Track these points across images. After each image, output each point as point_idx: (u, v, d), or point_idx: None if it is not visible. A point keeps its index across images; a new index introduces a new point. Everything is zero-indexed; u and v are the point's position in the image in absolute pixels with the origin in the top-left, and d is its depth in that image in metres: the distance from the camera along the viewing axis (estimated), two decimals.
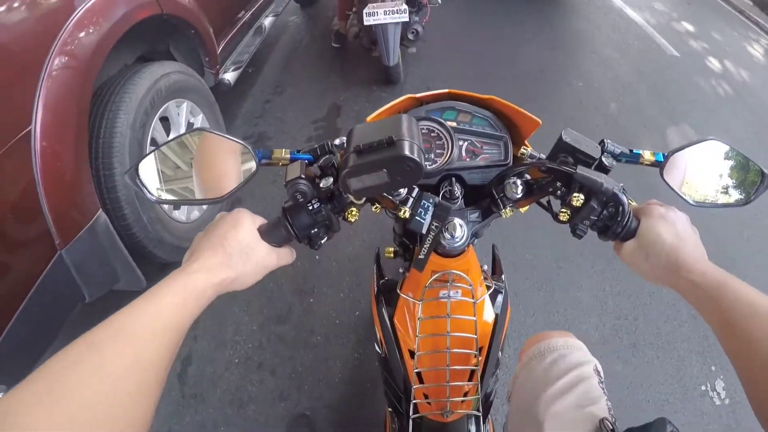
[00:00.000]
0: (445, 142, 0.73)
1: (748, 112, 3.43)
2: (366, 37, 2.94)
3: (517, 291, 1.88)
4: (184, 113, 1.84)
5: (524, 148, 0.72)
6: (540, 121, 0.71)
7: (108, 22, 1.40)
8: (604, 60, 3.74)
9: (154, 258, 1.62)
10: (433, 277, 0.72)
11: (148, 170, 0.60)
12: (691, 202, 0.64)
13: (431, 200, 0.62)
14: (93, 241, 1.34)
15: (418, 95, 0.74)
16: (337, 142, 0.65)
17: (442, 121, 0.73)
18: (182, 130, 1.83)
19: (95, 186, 1.38)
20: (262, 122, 2.74)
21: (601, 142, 0.66)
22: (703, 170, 0.65)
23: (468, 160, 0.75)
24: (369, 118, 0.68)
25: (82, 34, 1.30)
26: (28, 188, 1.15)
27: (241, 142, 0.61)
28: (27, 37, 1.17)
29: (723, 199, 0.66)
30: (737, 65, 4.11)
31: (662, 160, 0.64)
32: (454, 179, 0.74)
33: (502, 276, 0.90)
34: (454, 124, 0.75)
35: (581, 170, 0.59)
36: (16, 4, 1.13)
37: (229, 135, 0.62)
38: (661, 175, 0.63)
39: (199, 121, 1.96)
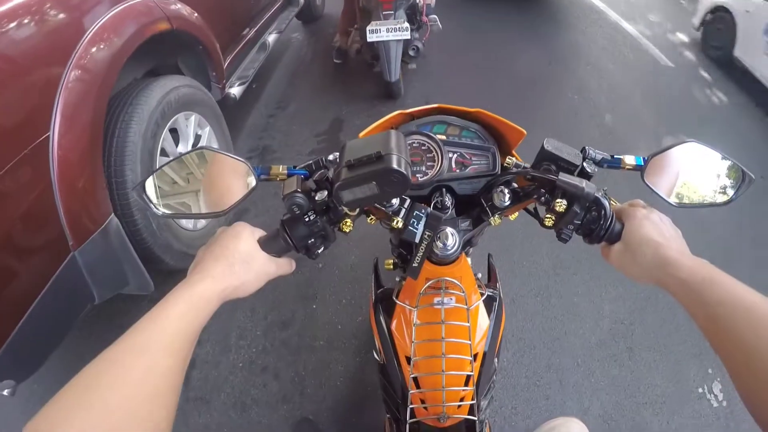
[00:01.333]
0: (436, 155, 0.75)
1: (744, 119, 3.46)
2: (368, 53, 3.01)
3: (514, 297, 1.92)
4: (192, 125, 1.91)
5: (510, 158, 0.72)
6: (525, 132, 0.74)
7: (120, 38, 1.48)
8: (599, 72, 3.81)
9: (163, 264, 1.66)
10: (427, 284, 0.74)
11: (154, 187, 0.64)
12: (674, 203, 0.66)
13: (423, 210, 0.64)
14: (105, 244, 1.40)
15: (408, 111, 0.77)
16: (330, 157, 0.68)
17: (432, 134, 0.76)
18: (190, 142, 1.91)
19: (108, 192, 1.44)
20: (266, 136, 2.81)
21: (583, 150, 0.68)
22: (684, 172, 0.67)
23: (458, 171, 0.78)
24: (361, 134, 0.72)
25: (95, 50, 1.37)
26: (45, 191, 1.22)
27: (241, 159, 0.65)
28: (45, 50, 1.24)
29: (705, 199, 0.67)
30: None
31: (642, 164, 0.66)
32: (444, 190, 0.77)
33: (498, 284, 0.92)
34: (443, 137, 0.78)
35: (563, 177, 0.61)
36: (29, 21, 1.20)
37: (230, 153, 0.65)
38: (642, 178, 0.65)
39: (206, 133, 2.03)
